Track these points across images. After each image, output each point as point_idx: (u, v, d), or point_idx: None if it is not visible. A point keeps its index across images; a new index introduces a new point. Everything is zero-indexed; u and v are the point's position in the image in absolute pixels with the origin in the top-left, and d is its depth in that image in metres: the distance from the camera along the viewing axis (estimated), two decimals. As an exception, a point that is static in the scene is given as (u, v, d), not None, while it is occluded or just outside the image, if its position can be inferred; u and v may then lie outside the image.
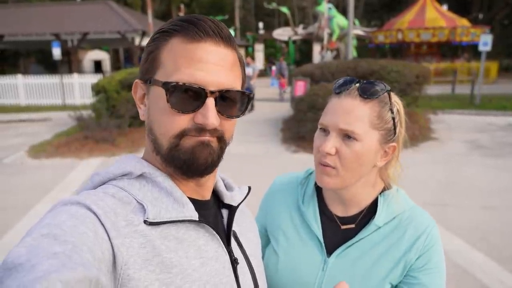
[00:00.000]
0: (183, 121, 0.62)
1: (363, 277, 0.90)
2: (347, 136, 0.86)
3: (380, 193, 0.95)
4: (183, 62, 0.61)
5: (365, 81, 0.89)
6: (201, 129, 0.62)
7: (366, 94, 0.86)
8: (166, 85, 0.61)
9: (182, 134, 0.63)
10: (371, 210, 0.94)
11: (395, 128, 0.90)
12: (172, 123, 0.62)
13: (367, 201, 0.95)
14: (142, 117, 0.69)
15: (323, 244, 0.94)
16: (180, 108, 0.61)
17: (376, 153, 0.89)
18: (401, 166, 0.97)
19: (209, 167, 0.65)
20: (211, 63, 0.62)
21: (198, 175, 0.66)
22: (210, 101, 0.61)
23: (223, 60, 0.63)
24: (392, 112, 0.90)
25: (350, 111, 0.86)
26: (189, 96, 0.61)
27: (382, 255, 0.90)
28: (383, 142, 0.89)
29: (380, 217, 0.92)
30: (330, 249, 0.94)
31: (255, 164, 6.58)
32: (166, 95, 0.61)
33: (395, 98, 0.92)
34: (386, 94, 0.89)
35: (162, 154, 0.65)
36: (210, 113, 0.61)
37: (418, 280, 0.88)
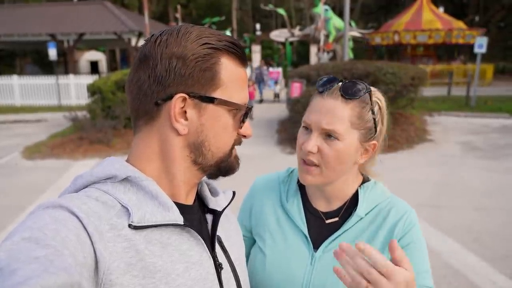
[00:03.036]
0: (235, 135, 0.70)
1: None
2: (328, 135, 0.89)
3: (360, 186, 0.99)
4: (240, 84, 0.69)
5: (347, 81, 0.90)
6: (241, 140, 0.73)
7: (348, 94, 0.88)
8: (244, 108, 0.69)
9: (233, 145, 0.71)
10: (353, 202, 0.98)
11: (375, 127, 0.93)
12: (232, 137, 0.70)
13: (348, 195, 0.99)
14: (182, 132, 0.64)
15: (309, 239, 0.96)
16: (241, 125, 0.70)
17: (356, 151, 0.92)
18: (376, 160, 1.01)
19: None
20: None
21: (226, 176, 0.75)
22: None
23: None
24: (373, 112, 0.92)
25: (331, 111, 0.88)
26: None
27: (367, 243, 0.92)
28: (363, 141, 0.92)
29: (361, 208, 0.95)
30: (316, 244, 0.96)
31: (250, 165, 6.55)
32: (238, 114, 0.69)
33: (377, 96, 0.94)
34: (367, 94, 0.90)
35: (210, 163, 0.69)
36: (250, 127, 0.73)
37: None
